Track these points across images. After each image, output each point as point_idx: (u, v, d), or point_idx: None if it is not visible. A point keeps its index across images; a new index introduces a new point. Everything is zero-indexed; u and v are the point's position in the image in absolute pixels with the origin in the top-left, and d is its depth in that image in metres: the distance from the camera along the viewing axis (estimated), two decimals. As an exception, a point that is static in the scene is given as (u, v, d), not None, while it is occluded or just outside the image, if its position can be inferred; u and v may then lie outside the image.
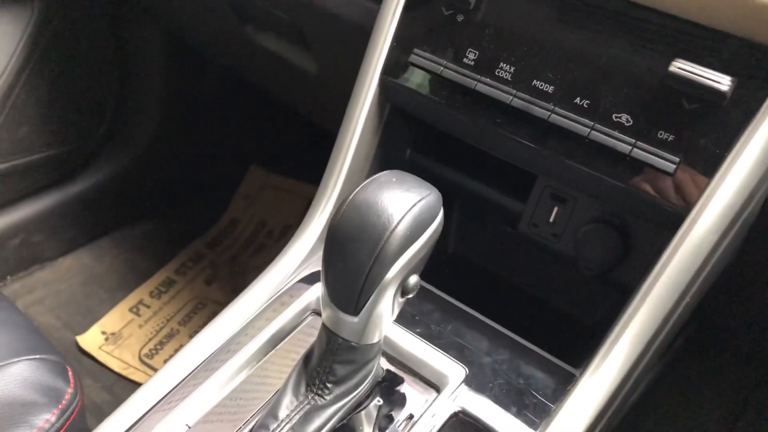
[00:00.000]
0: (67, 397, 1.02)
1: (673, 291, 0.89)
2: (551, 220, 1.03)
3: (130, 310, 2.10)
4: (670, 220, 0.87)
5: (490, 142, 0.99)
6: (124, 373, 1.93)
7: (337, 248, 0.76)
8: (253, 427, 0.85)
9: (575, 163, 0.90)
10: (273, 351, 0.96)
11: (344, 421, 0.87)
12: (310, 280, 1.04)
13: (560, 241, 1.03)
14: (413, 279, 0.80)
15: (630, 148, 0.86)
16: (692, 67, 0.82)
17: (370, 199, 0.75)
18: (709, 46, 0.83)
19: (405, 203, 0.74)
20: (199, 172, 2.47)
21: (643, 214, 0.91)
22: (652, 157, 0.85)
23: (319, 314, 1.01)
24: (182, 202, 2.43)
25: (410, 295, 0.81)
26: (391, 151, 1.12)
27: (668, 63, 0.84)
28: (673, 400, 1.64)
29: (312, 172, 1.30)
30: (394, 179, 0.78)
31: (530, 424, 0.87)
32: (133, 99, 2.20)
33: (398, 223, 0.73)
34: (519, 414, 0.88)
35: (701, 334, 1.42)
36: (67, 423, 0.99)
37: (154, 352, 2.00)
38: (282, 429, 0.82)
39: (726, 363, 1.66)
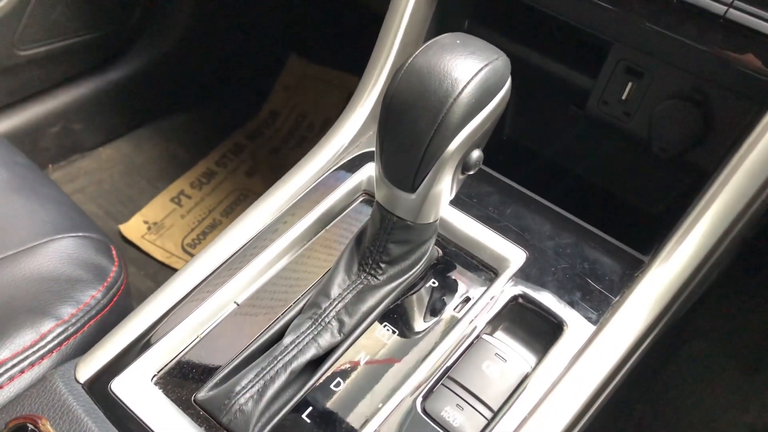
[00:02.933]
0: (112, 274, 1.00)
1: (760, 173, 0.81)
2: (624, 97, 0.94)
3: (172, 200, 2.09)
4: (765, 92, 0.78)
5: (563, 5, 0.89)
6: (167, 261, 1.94)
7: (393, 118, 0.70)
8: (304, 305, 0.82)
9: (660, 27, 0.81)
10: (323, 231, 0.92)
11: (398, 302, 0.84)
12: (361, 160, 0.98)
13: (632, 121, 0.95)
14: (476, 153, 0.73)
15: (725, 8, 0.76)
16: None
17: (432, 62, 0.67)
18: None
19: (470, 67, 0.67)
20: (237, 61, 2.39)
21: (733, 86, 0.82)
22: (751, 18, 0.75)
23: (371, 195, 0.96)
24: (221, 92, 2.37)
25: (472, 172, 0.75)
26: (449, 22, 1.03)
27: None
28: (732, 302, 1.57)
29: (355, 61, 1.21)
30: (458, 41, 0.70)
31: (594, 311, 0.82)
32: (169, -19, 2.10)
33: (463, 90, 0.66)
34: (583, 300, 0.83)
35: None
36: (114, 300, 0.98)
37: (196, 241, 2.00)
38: (334, 308, 0.79)
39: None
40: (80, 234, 1.03)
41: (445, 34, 0.71)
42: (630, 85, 0.93)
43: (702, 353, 1.62)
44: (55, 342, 0.90)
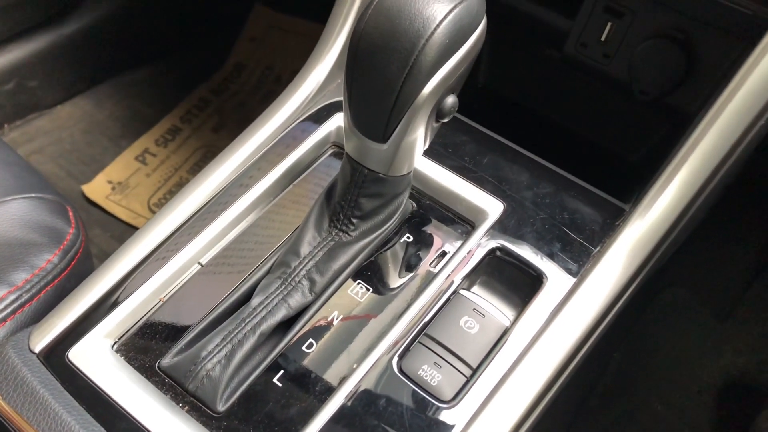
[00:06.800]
0: (69, 237, 0.94)
1: (747, 114, 0.78)
2: (603, 38, 0.90)
3: (136, 158, 2.02)
4: (752, 27, 0.74)
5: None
6: (133, 222, 1.87)
7: (361, 62, 0.65)
8: (272, 264, 0.77)
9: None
10: (290, 186, 0.87)
11: (371, 259, 0.80)
12: (329, 110, 0.93)
13: (612, 63, 0.91)
14: (451, 99, 0.69)
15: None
16: None
17: (401, 0, 0.62)
18: None
19: (443, 5, 0.62)
20: (200, 11, 2.29)
21: (718, 22, 0.78)
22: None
23: (340, 147, 0.91)
24: (184, 45, 2.27)
25: (446, 119, 0.71)
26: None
27: None
28: (707, 250, 1.56)
29: (323, 9, 1.14)
30: (429, -23, 0.65)
31: (575, 263, 0.79)
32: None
33: (435, 29, 0.62)
34: (563, 251, 0.80)
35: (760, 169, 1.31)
36: (72, 264, 0.92)
37: (163, 201, 1.93)
38: (305, 266, 0.75)
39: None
40: (33, 195, 0.97)
41: (416, -30, 0.66)
42: (609, 25, 0.89)
43: (678, 300, 1.62)
44: (8, 310, 0.84)
